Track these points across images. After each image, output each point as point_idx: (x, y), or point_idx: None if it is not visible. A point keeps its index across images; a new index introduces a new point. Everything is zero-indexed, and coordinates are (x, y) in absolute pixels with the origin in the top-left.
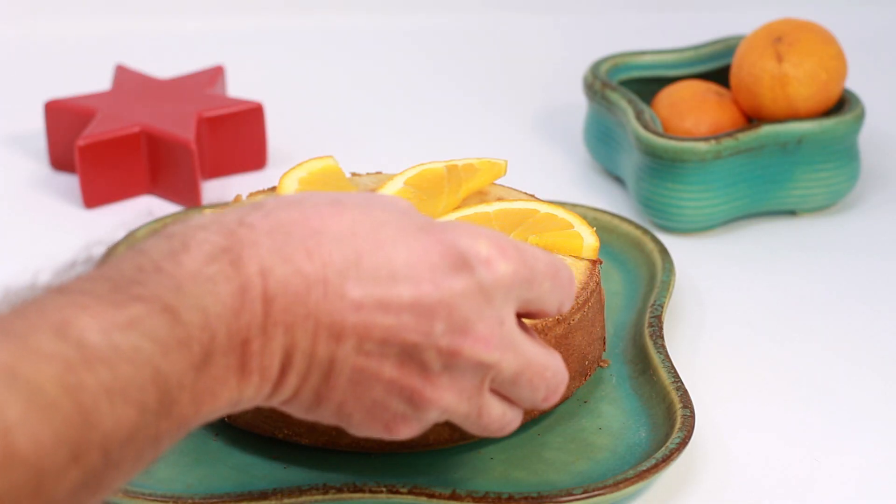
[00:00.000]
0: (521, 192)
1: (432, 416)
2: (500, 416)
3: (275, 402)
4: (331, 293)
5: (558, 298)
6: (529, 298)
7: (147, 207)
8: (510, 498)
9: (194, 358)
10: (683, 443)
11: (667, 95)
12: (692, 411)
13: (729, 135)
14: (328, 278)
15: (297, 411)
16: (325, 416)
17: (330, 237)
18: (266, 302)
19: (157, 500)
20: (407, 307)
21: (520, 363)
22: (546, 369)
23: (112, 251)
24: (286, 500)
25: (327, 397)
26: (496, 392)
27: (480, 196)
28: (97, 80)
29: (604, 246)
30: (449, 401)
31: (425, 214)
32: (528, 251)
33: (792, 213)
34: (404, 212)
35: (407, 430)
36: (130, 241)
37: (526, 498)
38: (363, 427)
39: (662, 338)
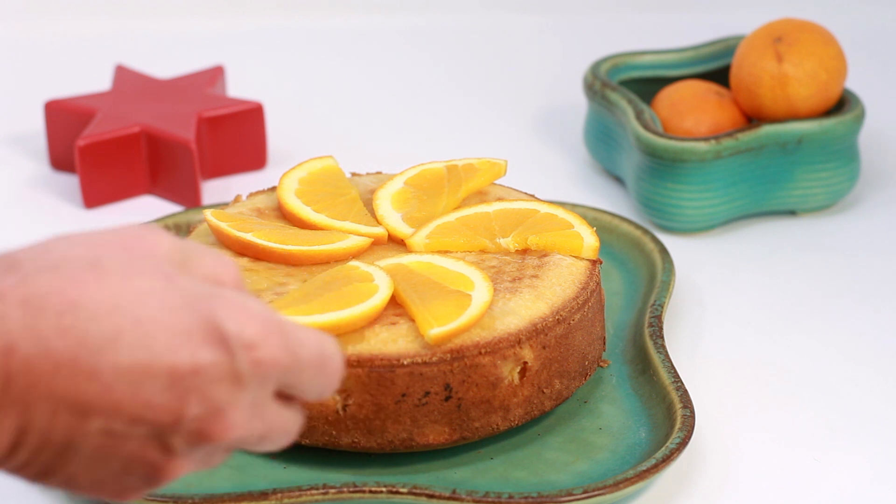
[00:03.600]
0: (521, 192)
1: (222, 449)
2: (288, 421)
3: None
4: (81, 373)
5: (319, 388)
6: (287, 384)
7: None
8: (510, 498)
9: None
10: (683, 443)
11: (667, 95)
12: (692, 411)
13: (729, 135)
14: (79, 358)
15: (23, 479)
16: (51, 485)
17: (87, 313)
18: (5, 380)
19: (157, 500)
20: (161, 389)
21: (265, 428)
22: (285, 426)
23: None
24: (286, 500)
25: (58, 471)
26: (280, 397)
27: (480, 196)
28: (97, 80)
29: (604, 246)
30: (186, 471)
31: (425, 214)
32: (296, 337)
33: (792, 213)
34: (169, 279)
35: (136, 497)
36: None
37: (526, 498)
38: (91, 494)
39: (662, 338)
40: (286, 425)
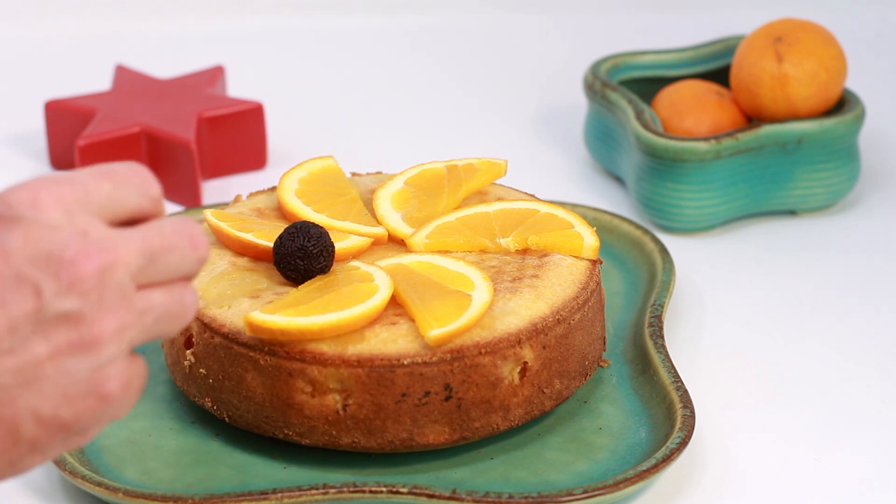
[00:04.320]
0: (521, 192)
1: (113, 350)
2: (171, 301)
3: None
4: None
5: (182, 263)
6: (103, 205)
7: None
8: (510, 498)
9: None
10: (683, 443)
11: (667, 95)
12: (692, 411)
13: (729, 135)
14: None
15: None
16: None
17: None
18: None
19: (157, 500)
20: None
21: (142, 243)
22: (171, 227)
23: None
24: (286, 500)
25: None
26: (148, 286)
27: (480, 196)
28: (97, 80)
29: (604, 246)
30: (115, 323)
31: (425, 214)
32: (110, 237)
33: (792, 213)
34: None
35: (116, 383)
36: None
37: (526, 498)
38: (65, 420)
39: (662, 338)
40: (168, 305)
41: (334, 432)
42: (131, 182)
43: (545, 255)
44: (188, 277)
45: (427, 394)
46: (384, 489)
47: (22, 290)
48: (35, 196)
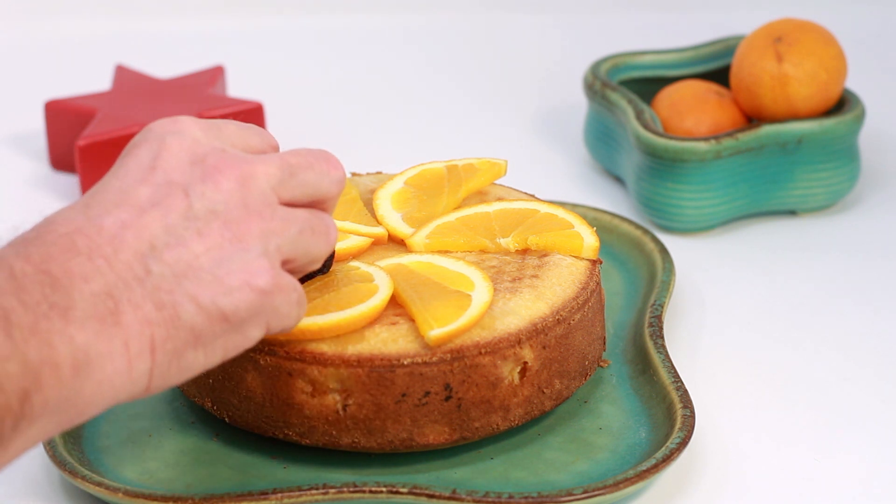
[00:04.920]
0: (521, 192)
1: (260, 249)
2: (313, 218)
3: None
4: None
5: (254, 137)
6: (234, 140)
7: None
8: (510, 498)
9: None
10: (683, 443)
11: (667, 95)
12: (692, 411)
13: (729, 135)
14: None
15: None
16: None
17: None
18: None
19: (157, 500)
20: (143, 204)
21: (280, 160)
22: (307, 150)
23: None
24: (286, 500)
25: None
26: (291, 203)
27: (480, 196)
28: (97, 80)
29: (604, 246)
30: (260, 224)
31: (425, 214)
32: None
33: (792, 213)
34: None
35: (266, 277)
36: None
37: (526, 498)
38: (223, 309)
39: (662, 338)
40: (311, 221)
41: (334, 432)
42: (252, 129)
43: (545, 255)
44: (326, 199)
45: (427, 394)
46: (384, 489)
47: (173, 193)
48: (176, 120)
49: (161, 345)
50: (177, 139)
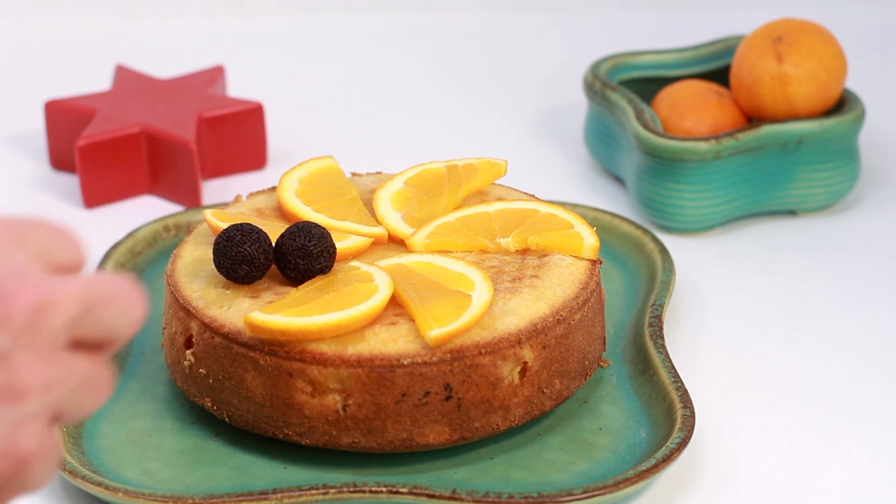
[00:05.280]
0: (521, 192)
1: (38, 406)
2: (93, 372)
3: None
4: None
5: (117, 323)
6: (40, 250)
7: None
8: (510, 498)
9: None
10: (683, 443)
11: (667, 95)
12: (692, 411)
13: (729, 135)
14: None
15: None
16: None
17: None
18: None
19: (156, 500)
20: None
21: (83, 288)
22: (113, 280)
23: (112, 252)
24: (286, 500)
25: None
26: (77, 346)
27: (480, 196)
28: (97, 80)
29: (604, 246)
30: (45, 373)
31: (425, 214)
32: (57, 283)
33: (792, 213)
34: None
35: (33, 444)
36: (132, 240)
37: (526, 498)
38: None
39: (662, 338)
40: (91, 375)
41: (334, 432)
42: (63, 233)
43: (545, 255)
44: (117, 342)
45: (427, 394)
46: (384, 489)
47: None
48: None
49: None
50: None
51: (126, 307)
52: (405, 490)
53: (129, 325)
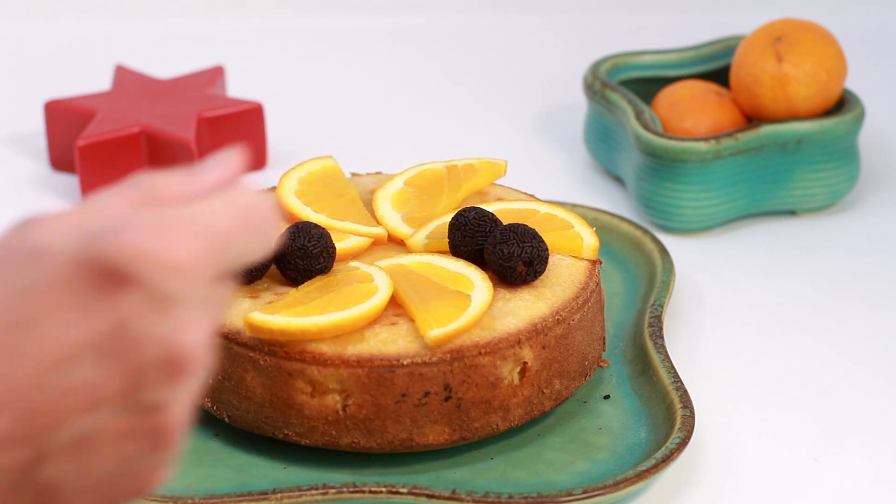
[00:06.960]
0: (521, 192)
1: (173, 453)
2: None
3: None
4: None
5: (257, 245)
6: (228, 261)
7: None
8: (510, 498)
9: None
10: (683, 443)
11: (667, 95)
12: (692, 411)
13: (729, 135)
14: None
15: None
16: None
17: None
18: None
19: (157, 500)
20: (91, 366)
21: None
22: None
23: None
24: (286, 501)
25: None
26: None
27: (480, 196)
28: (97, 80)
29: (604, 246)
30: (186, 412)
31: (425, 214)
32: (201, 216)
33: (792, 213)
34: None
35: (162, 474)
36: None
37: (526, 498)
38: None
39: (662, 338)
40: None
41: (334, 432)
42: (259, 233)
43: None
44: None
45: (427, 394)
46: (384, 489)
47: (104, 294)
48: (160, 250)
49: None
50: (152, 303)
51: (265, 235)
52: (405, 490)
53: (262, 251)
